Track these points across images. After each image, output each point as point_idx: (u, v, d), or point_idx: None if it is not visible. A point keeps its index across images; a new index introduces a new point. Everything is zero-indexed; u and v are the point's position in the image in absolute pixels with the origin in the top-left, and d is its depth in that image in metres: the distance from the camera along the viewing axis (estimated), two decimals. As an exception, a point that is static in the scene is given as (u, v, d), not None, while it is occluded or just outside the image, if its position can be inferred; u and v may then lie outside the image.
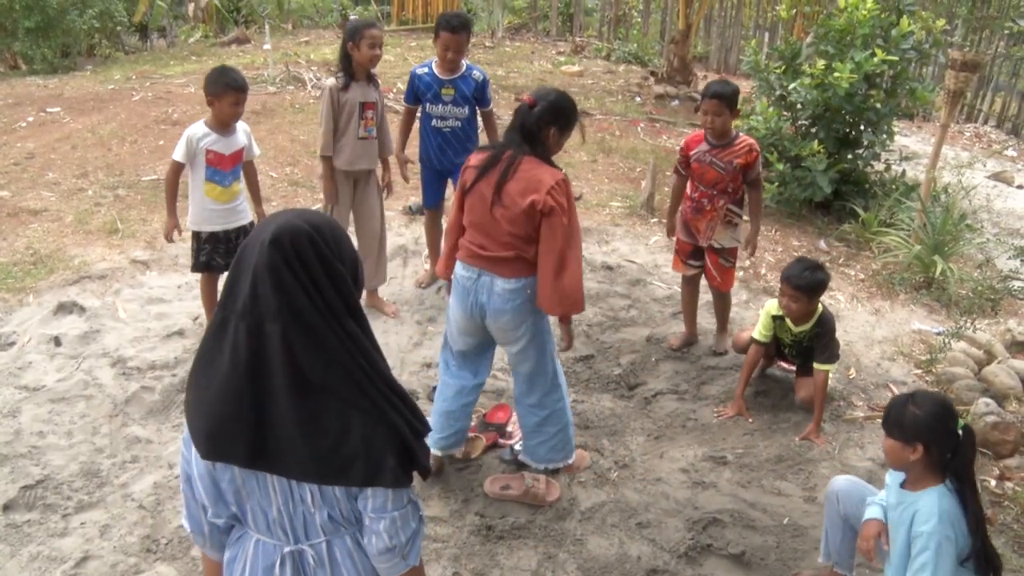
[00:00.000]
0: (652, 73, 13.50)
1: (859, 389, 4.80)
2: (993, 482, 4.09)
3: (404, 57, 12.88)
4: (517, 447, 3.93)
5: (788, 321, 4.36)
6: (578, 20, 18.36)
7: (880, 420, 4.40)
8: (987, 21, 13.66)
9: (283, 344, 1.55)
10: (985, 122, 14.29)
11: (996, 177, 10.02)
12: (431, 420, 3.64)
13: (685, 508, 3.69)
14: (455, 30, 4.82)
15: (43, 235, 6.14)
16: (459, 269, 3.49)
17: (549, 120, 3.32)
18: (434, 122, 5.12)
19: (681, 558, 3.40)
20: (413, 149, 5.49)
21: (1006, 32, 13.55)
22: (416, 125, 5.28)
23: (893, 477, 2.92)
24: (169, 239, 4.70)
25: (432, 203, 5.49)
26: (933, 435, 2.66)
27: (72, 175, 7.35)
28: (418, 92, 5.10)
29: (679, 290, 5.80)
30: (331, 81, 4.84)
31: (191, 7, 16.07)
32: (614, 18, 18.05)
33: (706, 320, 5.28)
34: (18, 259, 5.72)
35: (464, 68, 5.04)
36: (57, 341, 4.73)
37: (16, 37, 12.36)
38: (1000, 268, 6.53)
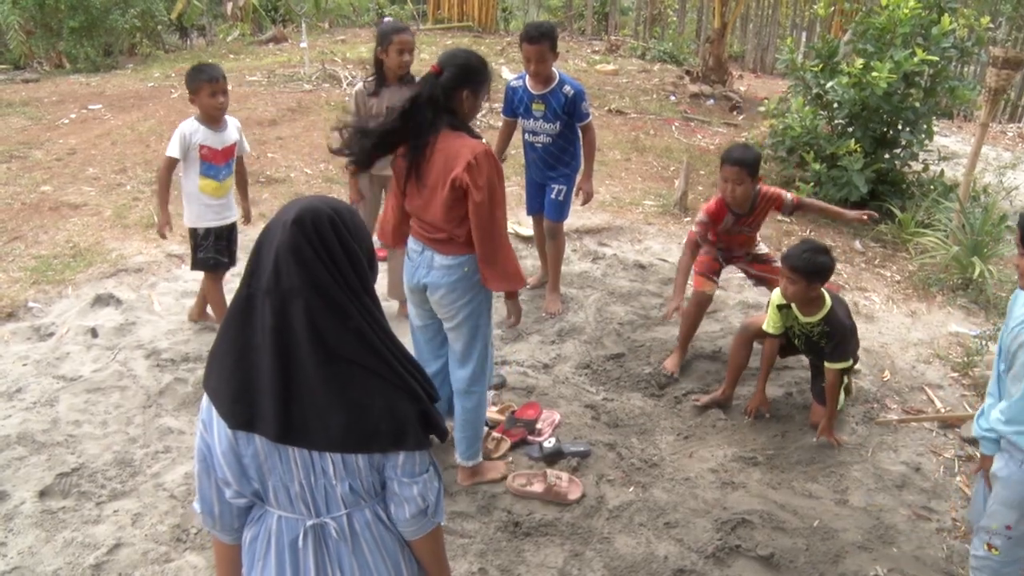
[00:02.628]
0: (687, 72, 13.42)
1: (893, 392, 4.73)
2: None
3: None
4: (547, 444, 3.92)
5: (795, 309, 4.15)
6: (613, 19, 18.31)
7: (915, 424, 4.38)
8: (1032, 20, 13.40)
9: (307, 318, 1.61)
10: (1029, 123, 14.01)
11: (1039, 178, 9.82)
12: None
13: (714, 508, 3.66)
14: (533, 40, 4.67)
15: (83, 229, 6.25)
16: (410, 242, 3.48)
17: (459, 83, 3.16)
18: (527, 136, 5.10)
19: (709, 559, 3.37)
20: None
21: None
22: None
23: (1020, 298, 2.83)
24: (163, 235, 4.67)
25: (532, 211, 5.49)
26: None
27: (111, 170, 7.48)
28: (512, 105, 5.05)
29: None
30: (359, 85, 4.81)
31: (229, 6, 16.26)
32: (649, 17, 17.98)
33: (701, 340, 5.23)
34: (58, 252, 5.83)
35: (556, 82, 4.87)
36: (94, 332, 4.81)
37: (61, 36, 12.60)
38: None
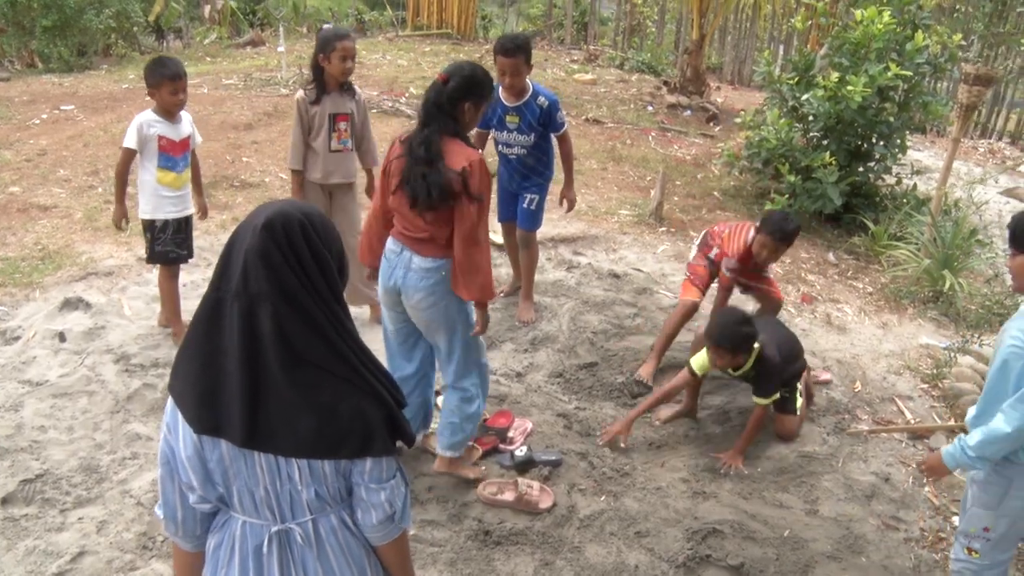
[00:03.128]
0: (665, 83, 13.50)
1: (864, 402, 4.76)
2: (997, 499, 4.04)
3: (418, 62, 12.91)
4: (519, 453, 3.91)
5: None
6: (592, 29, 18.39)
7: (885, 435, 4.41)
8: (1003, 37, 13.60)
9: (274, 323, 1.60)
10: (1000, 139, 14.21)
11: (1009, 193, 9.95)
12: None
13: (685, 518, 3.66)
14: (508, 53, 4.61)
15: (52, 231, 6.17)
16: (389, 243, 3.49)
17: (463, 95, 3.23)
18: (501, 148, 5.06)
19: (679, 568, 3.37)
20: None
21: (1022, 48, 13.51)
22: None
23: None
24: (119, 227, 4.69)
25: (503, 218, 5.47)
26: None
27: (83, 172, 7.39)
28: (486, 117, 4.78)
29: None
30: (300, 93, 4.74)
31: (207, 9, 16.18)
32: (628, 27, 18.07)
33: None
34: (26, 254, 5.75)
35: (529, 93, 4.82)
36: (62, 337, 4.74)
37: (33, 35, 12.46)
38: (1009, 283, 6.48)
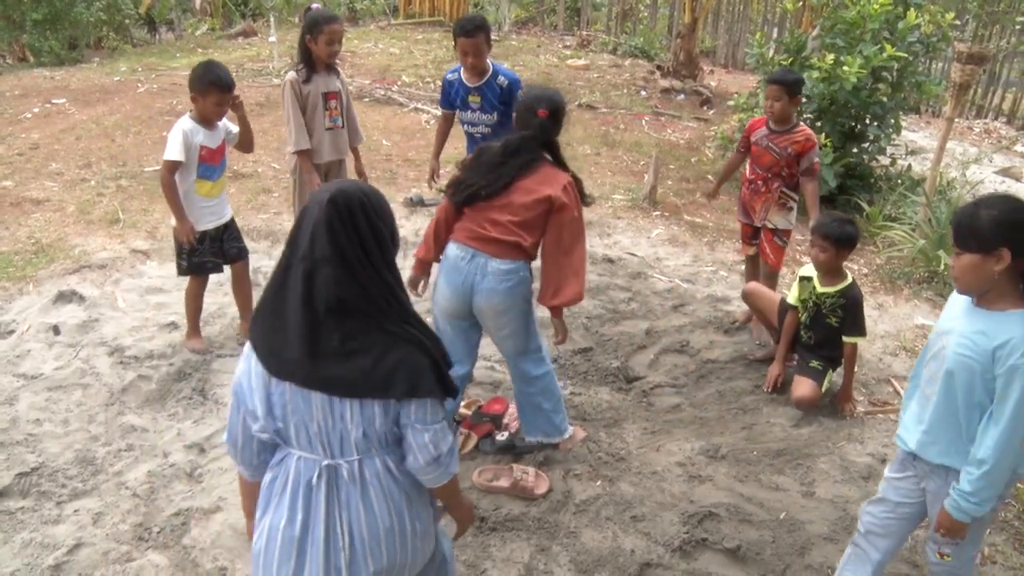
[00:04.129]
0: (658, 67, 13.45)
1: (860, 384, 4.77)
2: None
3: (410, 50, 12.86)
4: (500, 438, 3.92)
5: (815, 281, 4.41)
6: (585, 14, 18.31)
7: (882, 415, 4.41)
8: (998, 16, 13.56)
9: (333, 282, 1.87)
10: (995, 118, 14.19)
11: (1004, 173, 9.94)
12: None
13: (681, 502, 3.66)
14: (469, 33, 4.64)
15: (45, 224, 6.15)
16: (453, 249, 3.52)
17: (557, 127, 3.52)
18: (466, 127, 5.07)
19: (675, 552, 3.37)
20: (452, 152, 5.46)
21: (1017, 27, 13.47)
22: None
23: (955, 303, 2.63)
24: (190, 241, 4.36)
25: None
26: (1017, 234, 2.37)
27: (76, 165, 7.37)
28: (449, 98, 5.02)
29: (680, 283, 5.80)
30: (291, 75, 4.73)
31: (198, 0, 16.08)
32: (621, 12, 18.00)
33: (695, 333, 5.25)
34: (19, 248, 5.73)
35: (490, 73, 4.83)
36: (56, 330, 4.73)
37: (24, 29, 12.39)
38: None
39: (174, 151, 4.18)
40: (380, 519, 2.02)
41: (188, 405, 4.18)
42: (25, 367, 4.39)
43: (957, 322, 2.55)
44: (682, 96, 12.03)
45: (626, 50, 15.32)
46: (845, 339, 4.36)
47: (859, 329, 4.36)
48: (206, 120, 4.29)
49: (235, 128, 4.53)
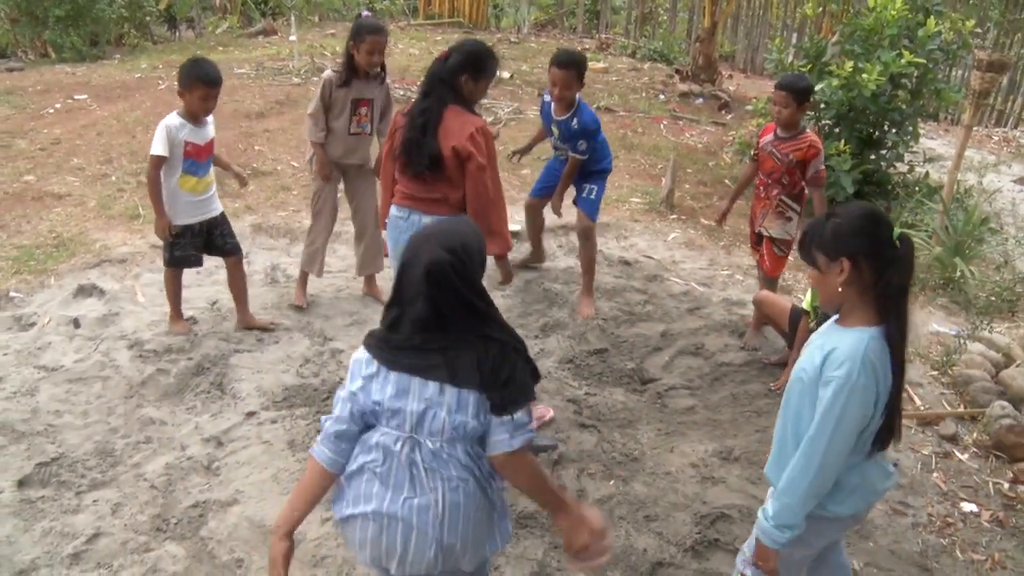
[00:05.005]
0: (677, 71, 13.43)
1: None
2: (1006, 485, 4.05)
3: (429, 51, 12.89)
4: None
5: None
6: (604, 17, 18.31)
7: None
8: (1019, 24, 13.48)
9: (442, 310, 2.14)
10: (1015, 126, 14.10)
11: (1022, 181, 9.89)
12: None
13: (693, 503, 3.68)
14: (561, 66, 4.79)
15: (66, 219, 6.22)
16: (393, 211, 3.76)
17: (460, 68, 3.55)
18: (551, 140, 5.35)
19: (687, 552, 3.39)
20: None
21: (1038, 36, 13.38)
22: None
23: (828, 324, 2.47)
24: (167, 236, 4.49)
25: (536, 192, 5.69)
26: (860, 245, 2.21)
27: (96, 161, 7.44)
28: (543, 115, 5.30)
29: (695, 286, 5.81)
30: (328, 73, 4.81)
31: (219, -2, 16.20)
32: (640, 16, 17.99)
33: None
34: (41, 242, 5.80)
35: (574, 109, 4.97)
36: (76, 323, 4.79)
37: (46, 25, 12.48)
38: (1020, 270, 6.46)
39: (158, 146, 4.29)
40: (449, 508, 2.17)
41: (206, 399, 4.22)
42: (46, 359, 4.45)
43: (813, 337, 2.46)
44: (701, 100, 12.01)
45: (645, 53, 15.32)
46: None
47: None
48: (193, 116, 4.36)
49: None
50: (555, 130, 5.11)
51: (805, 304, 4.56)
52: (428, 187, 3.63)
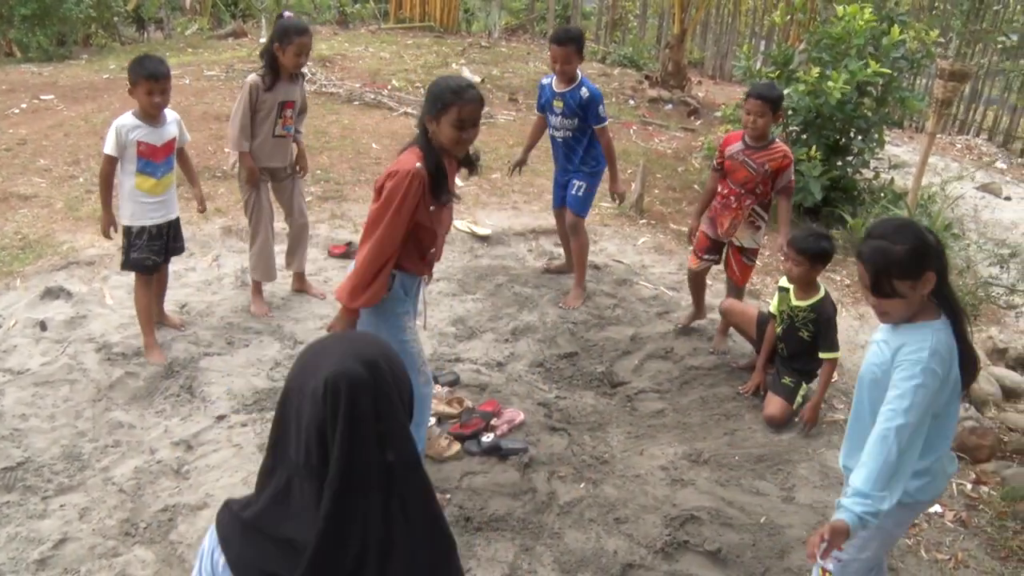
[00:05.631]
0: (647, 77, 13.53)
1: (840, 392, 4.84)
2: (969, 486, 4.13)
3: (400, 55, 12.89)
4: (484, 439, 3.97)
5: (791, 293, 4.46)
6: (575, 23, 18.39)
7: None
8: (980, 34, 13.74)
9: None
10: (977, 135, 14.36)
11: (984, 188, 10.08)
12: None
13: (663, 505, 3.72)
14: (560, 42, 5.08)
15: (32, 220, 6.14)
16: None
17: (426, 110, 3.19)
18: (550, 131, 5.48)
19: (657, 554, 3.42)
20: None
21: (998, 46, 13.65)
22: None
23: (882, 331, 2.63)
24: (107, 235, 4.51)
25: (556, 205, 5.79)
26: (934, 257, 2.39)
27: (64, 162, 7.35)
28: (541, 101, 5.46)
29: (665, 290, 5.87)
30: (253, 78, 4.74)
31: (188, -1, 16.07)
32: (610, 21, 18.10)
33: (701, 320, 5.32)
34: (6, 244, 5.73)
35: (577, 83, 5.18)
36: (43, 325, 4.73)
37: (12, 24, 12.31)
38: (982, 275, 6.58)
39: (108, 146, 4.24)
40: None
41: (176, 402, 4.20)
42: (11, 362, 4.39)
43: (875, 335, 2.62)
44: (670, 106, 12.11)
45: (615, 59, 15.41)
46: (821, 355, 4.39)
47: (830, 344, 4.37)
48: (147, 114, 4.27)
49: (188, 137, 4.65)
50: (558, 105, 5.23)
51: (772, 308, 4.62)
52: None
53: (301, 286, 5.43)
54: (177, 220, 4.65)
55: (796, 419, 4.45)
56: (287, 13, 4.94)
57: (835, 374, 4.96)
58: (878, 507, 2.36)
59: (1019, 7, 14.03)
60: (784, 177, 4.74)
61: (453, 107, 3.10)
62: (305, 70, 4.96)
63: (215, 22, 16.02)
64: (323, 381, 1.37)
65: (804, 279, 4.35)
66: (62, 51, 12.64)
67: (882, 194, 7.96)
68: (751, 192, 4.79)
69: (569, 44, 5.07)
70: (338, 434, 1.35)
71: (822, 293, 4.42)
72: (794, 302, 4.43)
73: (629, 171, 8.74)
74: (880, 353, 2.50)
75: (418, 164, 3.12)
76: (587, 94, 5.15)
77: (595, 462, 3.99)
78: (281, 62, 4.68)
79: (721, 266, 5.17)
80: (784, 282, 4.54)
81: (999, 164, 12.29)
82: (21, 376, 4.27)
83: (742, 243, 4.93)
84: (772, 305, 4.65)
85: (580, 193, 5.45)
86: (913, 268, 2.36)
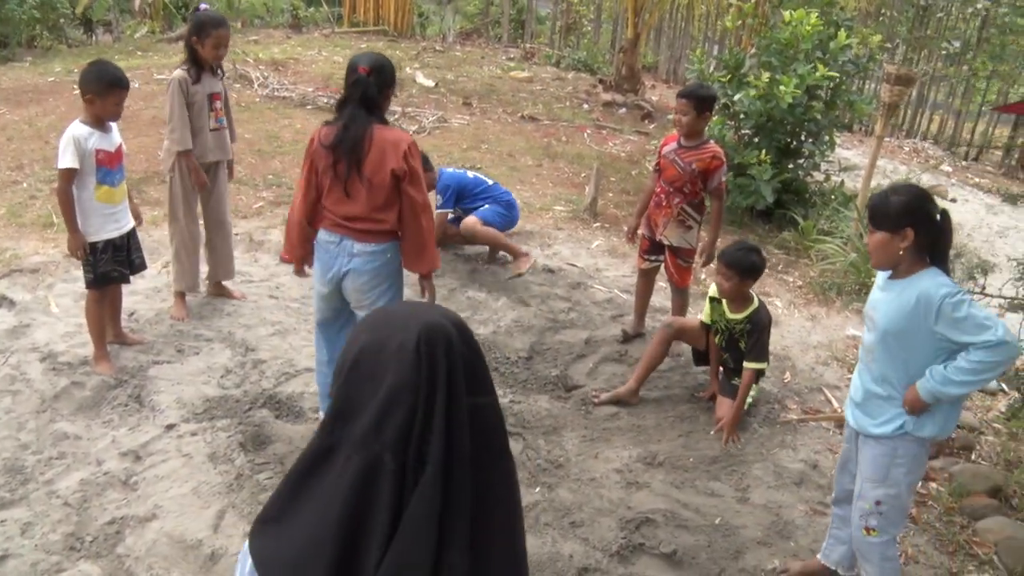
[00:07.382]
0: (601, 81, 13.62)
1: (793, 393, 4.89)
2: (919, 483, 4.19)
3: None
4: None
5: (724, 305, 4.43)
6: (529, 27, 18.46)
7: (814, 423, 4.53)
8: (925, 41, 14.04)
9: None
10: (923, 138, 14.67)
11: (931, 190, 10.26)
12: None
13: (618, 508, 3.72)
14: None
15: (-27, 228, 5.98)
16: (322, 235, 3.65)
17: (385, 84, 3.48)
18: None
19: (613, 557, 3.42)
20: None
21: (943, 52, 13.96)
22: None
23: (878, 280, 2.99)
24: (80, 257, 4.23)
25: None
26: (918, 218, 2.72)
27: (7, 167, 7.18)
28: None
29: (619, 294, 5.89)
30: (179, 73, 4.66)
31: (137, 2, 15.79)
32: (565, 26, 18.19)
33: (653, 320, 5.34)
34: (-54, 251, 5.57)
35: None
36: (-16, 335, 4.60)
37: (-48, 26, 12.04)
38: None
39: (68, 159, 4.02)
40: None
41: (124, 412, 4.10)
42: (-49, 373, 4.26)
43: (879, 295, 2.91)
44: (624, 110, 12.20)
45: (569, 63, 15.49)
46: (745, 364, 4.33)
47: (758, 354, 4.31)
48: (100, 122, 4.16)
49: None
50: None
51: (703, 317, 4.61)
52: (360, 215, 3.51)
53: (219, 291, 5.28)
54: (134, 230, 4.51)
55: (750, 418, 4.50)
56: (203, 5, 4.87)
57: (787, 374, 5.03)
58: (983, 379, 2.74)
59: (961, 16, 14.37)
60: (714, 179, 4.77)
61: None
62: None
63: (166, 25, 15.77)
64: (416, 334, 1.26)
65: (734, 293, 4.31)
66: (5, 53, 12.39)
67: (832, 196, 8.09)
68: (679, 191, 4.83)
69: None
70: (438, 392, 1.24)
71: (756, 303, 4.39)
72: (729, 315, 4.40)
73: (583, 174, 8.79)
74: (900, 307, 2.76)
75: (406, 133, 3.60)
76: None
77: (550, 466, 3.98)
78: (201, 55, 4.63)
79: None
80: (714, 291, 4.50)
81: (945, 167, 12.56)
82: (-39, 387, 4.15)
83: (671, 242, 4.95)
84: (703, 314, 4.62)
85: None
86: (897, 218, 2.72)
